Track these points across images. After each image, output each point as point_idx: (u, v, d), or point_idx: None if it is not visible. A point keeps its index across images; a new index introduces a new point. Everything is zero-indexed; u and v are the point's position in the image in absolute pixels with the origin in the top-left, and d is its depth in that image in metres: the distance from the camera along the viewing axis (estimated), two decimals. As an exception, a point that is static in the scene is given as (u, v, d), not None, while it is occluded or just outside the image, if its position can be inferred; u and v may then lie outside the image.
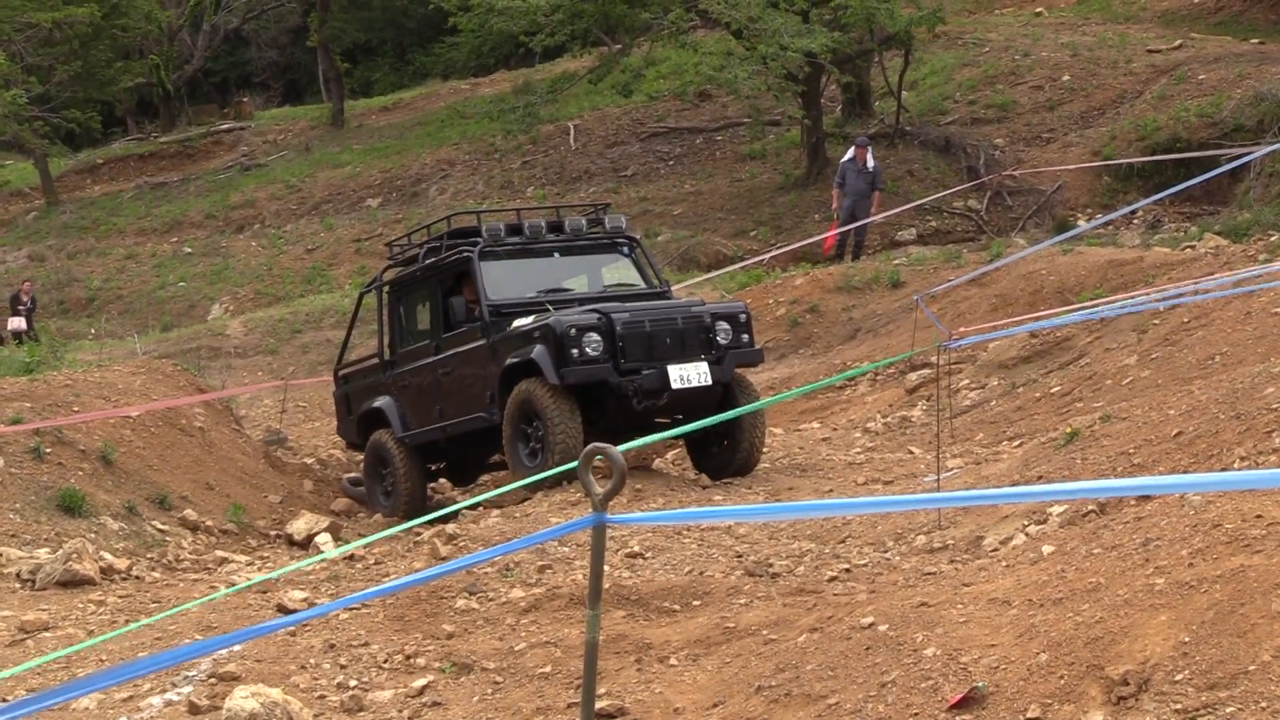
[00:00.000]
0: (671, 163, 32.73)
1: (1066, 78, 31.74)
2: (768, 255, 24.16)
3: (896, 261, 21.46)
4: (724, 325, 13.53)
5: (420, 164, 36.91)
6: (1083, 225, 23.81)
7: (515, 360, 13.24)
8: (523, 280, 14.30)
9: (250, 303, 31.10)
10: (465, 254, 14.12)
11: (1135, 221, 25.32)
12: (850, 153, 23.35)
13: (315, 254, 33.70)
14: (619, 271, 14.91)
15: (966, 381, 15.75)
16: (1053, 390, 13.75)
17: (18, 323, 29.20)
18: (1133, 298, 13.56)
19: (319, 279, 31.77)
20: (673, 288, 15.66)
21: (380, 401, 14.92)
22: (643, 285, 14.58)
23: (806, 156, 30.45)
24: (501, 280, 14.17)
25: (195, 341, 25.64)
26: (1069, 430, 11.12)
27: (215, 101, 53.46)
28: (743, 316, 13.70)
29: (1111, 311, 13.32)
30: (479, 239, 14.23)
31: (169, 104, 48.53)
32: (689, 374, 13.15)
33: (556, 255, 14.57)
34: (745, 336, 13.62)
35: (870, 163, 22.99)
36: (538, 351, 13.08)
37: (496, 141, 35.53)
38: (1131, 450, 9.64)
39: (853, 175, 22.92)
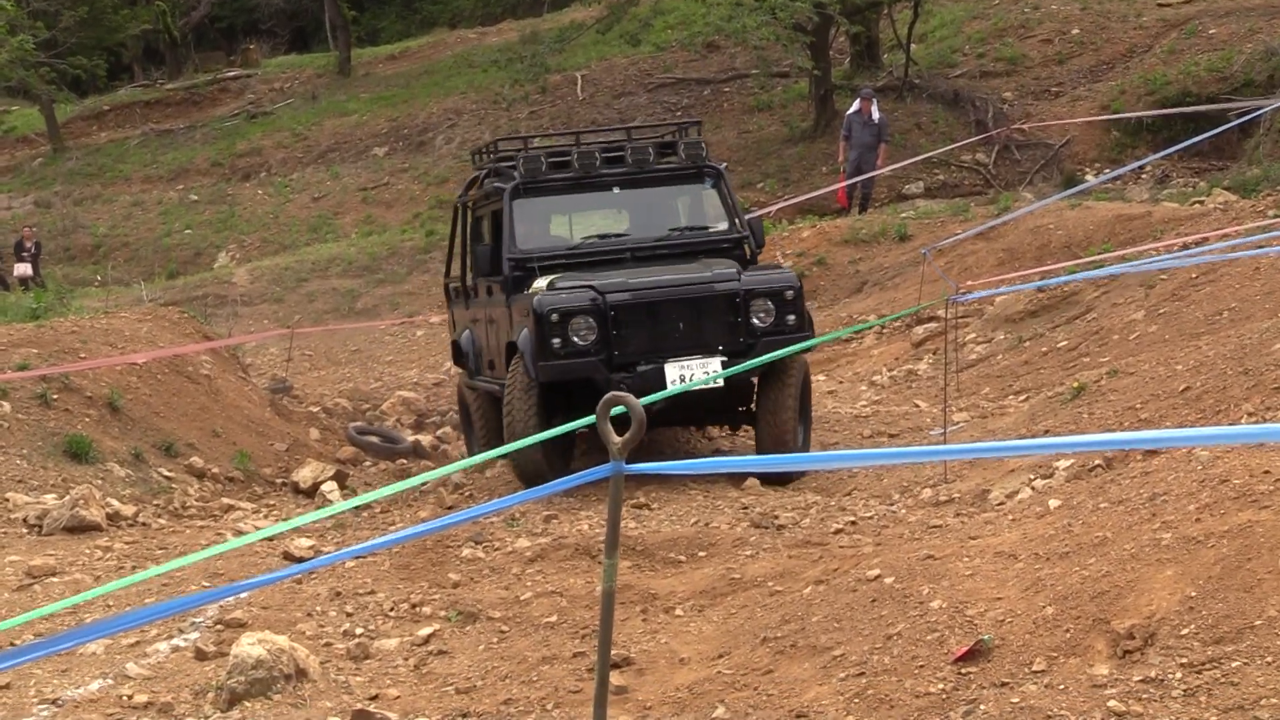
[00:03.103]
0: (679, 114, 32.55)
1: (1076, 31, 31.57)
2: (775, 207, 24.11)
3: (904, 215, 21.42)
4: (763, 303, 11.17)
5: (427, 113, 36.78)
6: (1091, 180, 23.75)
7: (512, 340, 11.55)
8: (567, 223, 12.67)
9: (256, 251, 31.07)
10: (497, 188, 12.34)
11: (1144, 176, 25.22)
12: (855, 105, 23.29)
13: (321, 202, 33.64)
14: (695, 209, 12.61)
15: (973, 335, 15.74)
16: (1059, 345, 13.73)
17: (24, 269, 29.21)
18: (1159, 256, 13.53)
19: (325, 228, 31.73)
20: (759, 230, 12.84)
21: (461, 336, 13.75)
22: (722, 227, 12.29)
23: (814, 109, 30.34)
24: (538, 224, 12.37)
25: (201, 289, 25.64)
26: (1076, 385, 11.13)
27: (222, 49, 53.29)
28: (789, 293, 11.21)
29: (1132, 268, 13.26)
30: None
31: (175, 51, 48.36)
32: (692, 373, 10.94)
33: (616, 190, 12.48)
34: (792, 317, 11.20)
35: (875, 115, 22.91)
36: (522, 337, 11.21)
37: (504, 91, 35.38)
38: (1138, 405, 9.64)
39: (858, 128, 22.86)
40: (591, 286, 11.17)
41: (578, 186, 12.36)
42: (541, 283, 11.54)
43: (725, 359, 10.95)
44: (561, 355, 10.97)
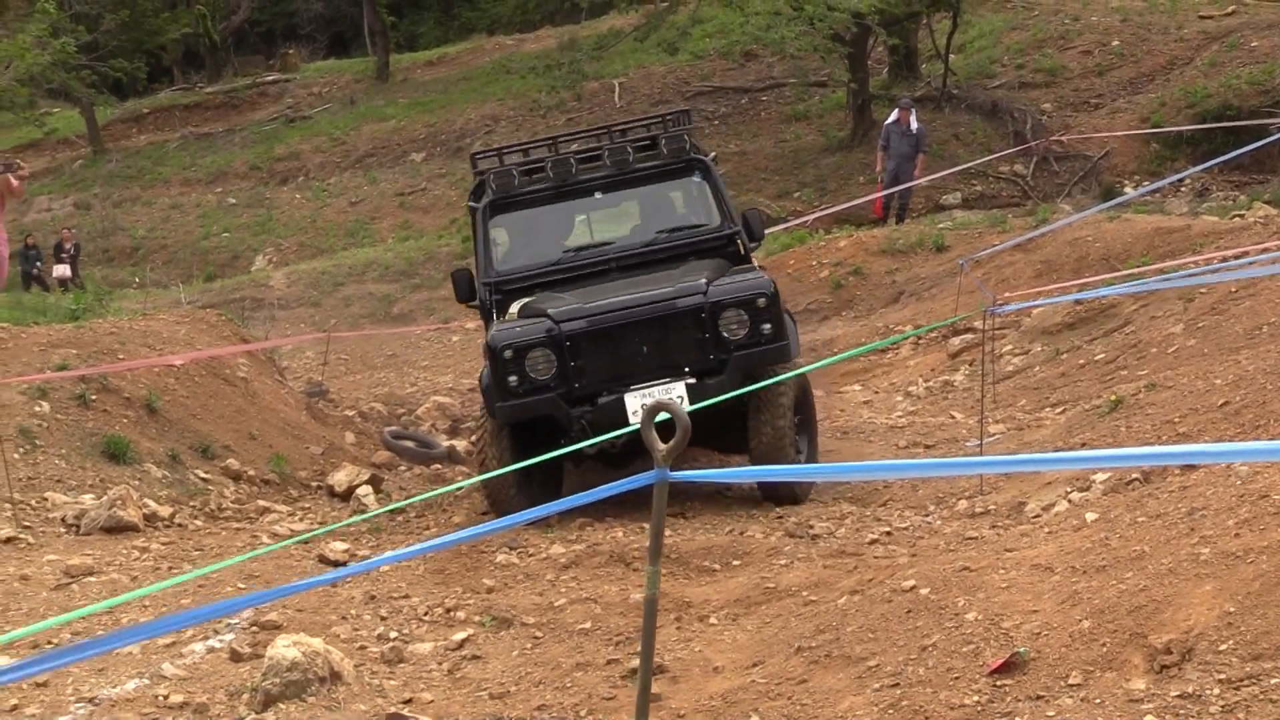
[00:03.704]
0: (716, 122, 32.59)
1: (1116, 43, 31.47)
2: (812, 217, 24.09)
3: (941, 225, 21.37)
4: (735, 314, 10.37)
5: (464, 119, 36.86)
6: (1130, 192, 23.67)
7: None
8: (549, 236, 11.78)
9: (293, 254, 31.18)
10: (470, 207, 11.88)
11: (1183, 189, 25.12)
12: (894, 115, 23.27)
13: (359, 207, 33.74)
14: (685, 205, 11.97)
15: (1010, 347, 15.68)
16: (1097, 357, 13.67)
17: (63, 270, 29.38)
18: (1201, 269, 13.46)
19: (362, 232, 31.82)
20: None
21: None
22: (712, 223, 11.59)
23: (852, 118, 30.31)
24: (519, 241, 11.74)
25: (239, 292, 25.73)
26: (1113, 398, 11.08)
27: (261, 53, 53.53)
28: (761, 300, 10.33)
29: (1166, 282, 13.20)
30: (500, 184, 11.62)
31: (215, 54, 48.59)
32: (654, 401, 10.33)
33: (598, 195, 11.81)
34: (767, 326, 10.34)
35: (914, 125, 22.89)
36: (482, 375, 10.71)
37: (541, 98, 35.44)
38: (1177, 419, 9.60)
39: (896, 137, 22.83)
40: (548, 315, 10.45)
41: (557, 196, 11.70)
42: (515, 308, 11.03)
43: (694, 380, 10.21)
44: (520, 393, 10.29)
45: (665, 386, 10.14)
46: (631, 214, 12.06)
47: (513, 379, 10.26)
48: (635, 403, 10.11)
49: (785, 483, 10.42)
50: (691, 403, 9.83)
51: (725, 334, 10.29)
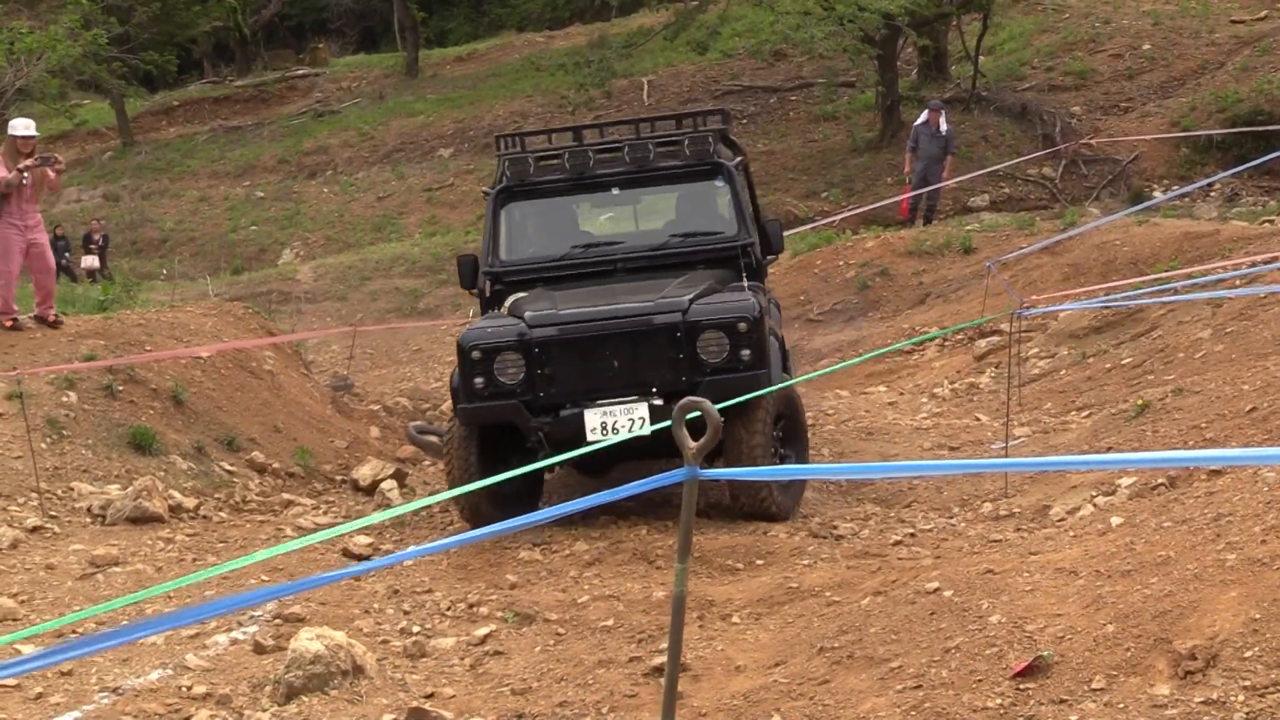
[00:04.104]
0: (745, 121, 32.55)
1: (1147, 46, 31.37)
2: (839, 217, 24.06)
3: (969, 227, 21.31)
4: (715, 336, 9.82)
5: (493, 115, 36.90)
6: (1159, 196, 23.59)
7: None
8: (559, 229, 11.36)
9: (321, 248, 31.26)
10: (484, 192, 11.46)
11: (1212, 194, 25.05)
12: (923, 116, 23.19)
13: (386, 202, 33.80)
14: (703, 210, 11.40)
15: (1036, 350, 15.63)
16: (1124, 361, 13.63)
17: (91, 261, 29.49)
18: (1225, 273, 13.40)
19: (389, 227, 31.88)
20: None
21: None
22: (728, 231, 11.05)
23: (880, 119, 30.27)
24: (528, 231, 11.36)
25: (266, 285, 25.80)
26: (1140, 402, 11.04)
27: (291, 47, 53.64)
28: (743, 325, 9.79)
29: (1196, 291, 13.14)
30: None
31: (245, 48, 48.71)
32: (616, 421, 9.65)
33: (615, 191, 11.36)
34: (746, 352, 9.79)
35: (943, 126, 22.81)
36: (452, 375, 10.30)
37: (570, 95, 35.44)
38: (1204, 424, 9.57)
39: (925, 139, 22.76)
40: (522, 318, 10.03)
41: (574, 188, 11.26)
42: (509, 303, 10.60)
43: (660, 402, 9.62)
44: (485, 396, 9.85)
45: (628, 406, 9.63)
46: (647, 214, 11.68)
47: (479, 381, 9.85)
48: (595, 419, 9.63)
49: (761, 499, 9.93)
50: (654, 422, 9.44)
51: (703, 356, 9.78)
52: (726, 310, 9.86)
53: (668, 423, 8.69)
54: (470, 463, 10.00)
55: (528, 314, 10.06)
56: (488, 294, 11.04)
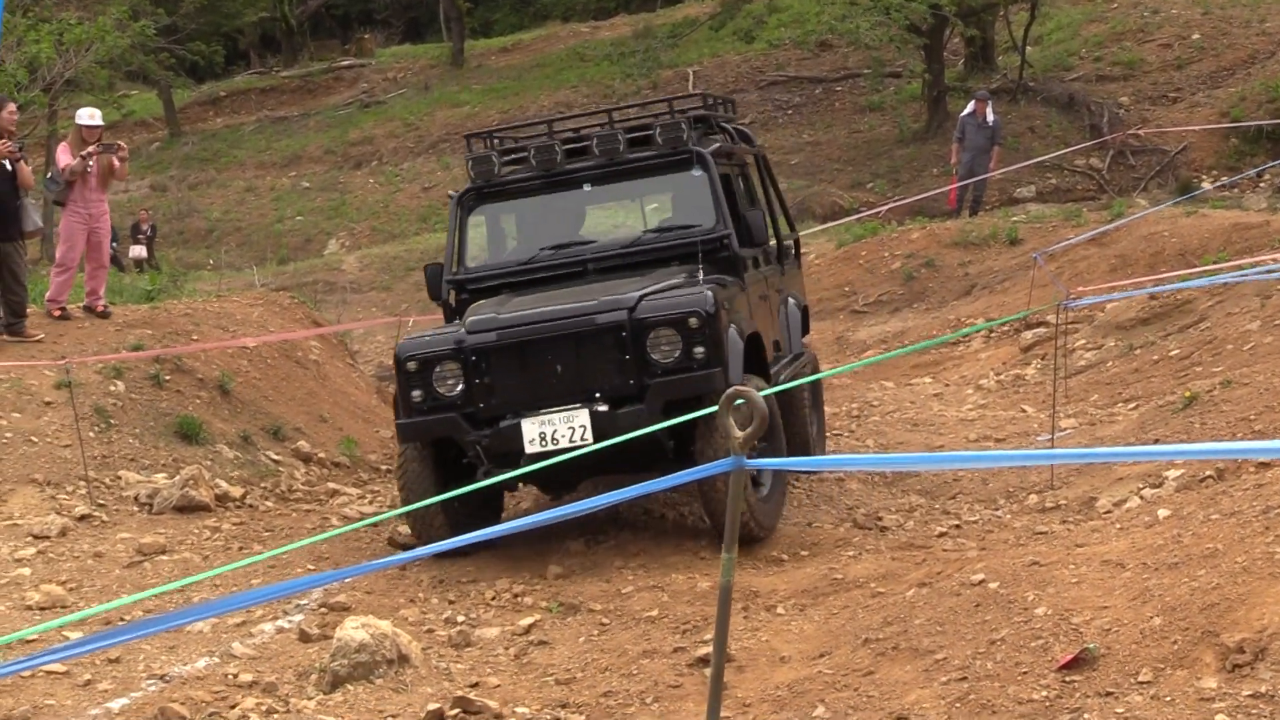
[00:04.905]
0: (790, 112, 32.49)
1: (1196, 36, 31.12)
2: (884, 208, 23.97)
3: (1015, 218, 21.22)
4: (665, 334, 9.06)
5: (538, 105, 36.90)
6: (1207, 187, 23.42)
7: None
8: (529, 231, 10.70)
9: (366, 239, 31.36)
10: (449, 195, 10.89)
11: (1262, 185, 24.83)
12: (970, 107, 23.08)
13: (431, 193, 33.86)
14: (680, 203, 10.73)
15: (1083, 342, 15.55)
16: (1171, 353, 13.54)
17: (139, 250, 29.66)
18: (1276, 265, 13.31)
19: (434, 217, 31.93)
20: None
21: None
22: (706, 224, 10.17)
23: (927, 110, 30.15)
24: (495, 236, 10.80)
25: (311, 275, 25.91)
26: (1187, 394, 10.97)
27: (337, 37, 53.75)
28: (694, 320, 9.00)
29: (1254, 275, 13.04)
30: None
31: (291, 39, 48.85)
32: (555, 430, 8.97)
33: (587, 188, 10.56)
34: (700, 350, 9.00)
35: (990, 117, 22.70)
36: (398, 384, 9.58)
37: (615, 85, 35.44)
38: (1252, 416, 9.50)
39: (972, 130, 22.65)
40: (462, 325, 9.48)
41: (544, 187, 10.55)
42: (478, 306, 9.94)
43: (604, 409, 8.99)
44: (424, 410, 9.24)
45: (569, 414, 8.95)
46: (621, 210, 11.06)
47: (416, 394, 9.24)
48: (533, 430, 8.95)
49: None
50: (598, 434, 8.79)
51: (653, 356, 9.04)
52: (677, 305, 9.10)
53: (620, 438, 8.23)
54: (421, 479, 9.46)
55: (469, 320, 9.51)
56: (453, 304, 10.40)
